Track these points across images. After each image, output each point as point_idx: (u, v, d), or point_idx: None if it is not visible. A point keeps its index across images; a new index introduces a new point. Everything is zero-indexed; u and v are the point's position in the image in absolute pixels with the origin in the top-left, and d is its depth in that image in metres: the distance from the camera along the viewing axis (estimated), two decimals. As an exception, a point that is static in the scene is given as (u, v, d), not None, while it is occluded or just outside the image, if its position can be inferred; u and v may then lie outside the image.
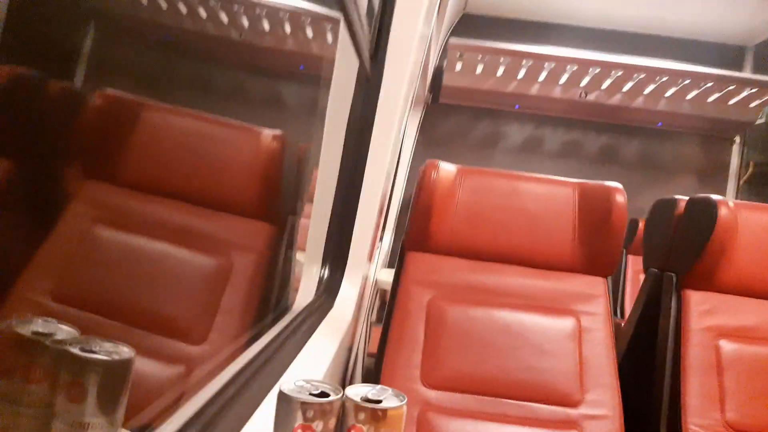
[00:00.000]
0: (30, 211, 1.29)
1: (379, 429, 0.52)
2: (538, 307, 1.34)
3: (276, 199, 1.33)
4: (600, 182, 1.40)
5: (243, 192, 1.31)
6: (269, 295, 1.31)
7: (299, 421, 0.50)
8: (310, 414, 0.51)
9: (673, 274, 1.42)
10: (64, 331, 0.57)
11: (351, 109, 1.29)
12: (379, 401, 0.53)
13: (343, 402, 0.53)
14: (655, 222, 1.61)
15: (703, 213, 1.40)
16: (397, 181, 3.37)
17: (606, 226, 1.34)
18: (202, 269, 1.30)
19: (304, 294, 1.29)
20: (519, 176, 1.43)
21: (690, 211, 1.47)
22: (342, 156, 1.35)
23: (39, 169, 1.33)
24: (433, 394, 1.23)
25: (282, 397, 0.52)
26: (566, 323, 1.32)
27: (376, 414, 0.52)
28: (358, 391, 0.55)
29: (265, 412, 0.53)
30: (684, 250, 1.41)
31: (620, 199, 1.35)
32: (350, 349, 1.56)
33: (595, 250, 1.36)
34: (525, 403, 1.24)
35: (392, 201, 3.39)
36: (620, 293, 3.19)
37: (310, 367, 0.86)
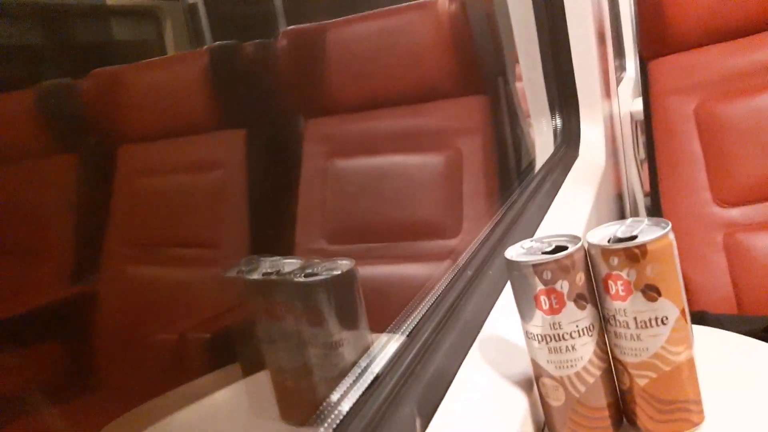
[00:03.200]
0: (277, 166, 1.40)
1: (644, 270, 0.40)
2: None
3: (476, 64, 1.21)
4: None
5: (441, 70, 1.22)
6: (507, 166, 1.21)
7: (539, 286, 0.41)
8: (547, 276, 0.41)
9: None
10: (288, 264, 0.57)
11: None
12: (634, 237, 0.41)
13: (587, 251, 0.42)
14: None
15: None
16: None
17: None
18: (436, 167, 1.26)
19: (543, 152, 1.16)
20: None
21: None
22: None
23: (270, 123, 1.42)
24: (735, 212, 1.01)
25: (510, 265, 0.43)
26: None
27: (632, 253, 0.40)
28: (602, 233, 0.43)
29: (510, 292, 0.45)
30: None
31: None
32: (621, 196, 1.39)
33: None
34: None
35: (622, 25, 2.92)
36: None
37: (564, 225, 0.75)
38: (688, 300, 0.42)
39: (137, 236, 1.21)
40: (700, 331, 0.53)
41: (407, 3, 1.28)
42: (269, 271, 0.57)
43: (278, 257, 0.58)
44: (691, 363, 0.41)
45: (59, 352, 0.87)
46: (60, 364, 0.86)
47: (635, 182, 1.66)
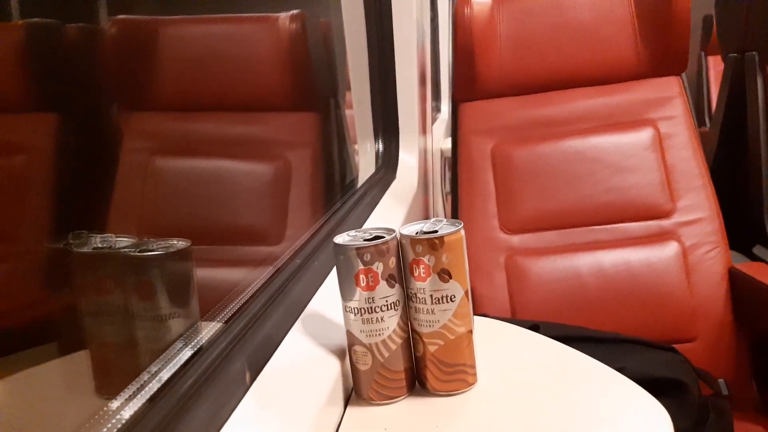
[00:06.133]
0: (90, 158, 1.33)
1: (440, 257, 0.50)
2: (609, 126, 1.25)
3: (311, 83, 1.29)
4: (653, -28, 1.25)
5: (277, 84, 1.28)
6: (332, 181, 1.30)
7: (359, 266, 0.49)
8: (367, 258, 0.49)
9: (754, 53, 1.27)
10: (121, 241, 0.58)
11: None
12: (435, 232, 0.51)
13: (399, 241, 0.52)
14: (725, 0, 1.43)
15: (781, -27, 1.22)
16: (441, 50, 3.21)
17: (668, 17, 1.20)
18: (264, 175, 1.31)
19: (365, 171, 1.27)
20: (559, -11, 1.29)
21: (765, -23, 1.29)
22: (366, 24, 1.27)
23: (86, 115, 1.35)
24: (516, 239, 1.21)
25: (337, 249, 0.50)
26: (643, 134, 1.23)
27: (433, 243, 0.50)
28: (412, 228, 0.53)
29: (332, 279, 0.52)
30: (762, 23, 1.25)
31: (679, -17, 1.20)
32: (428, 219, 1.55)
33: (660, 47, 1.23)
34: (614, 225, 1.20)
35: (441, 74, 3.25)
36: (705, 99, 2.95)
37: (379, 232, 0.85)
38: (473, 307, 0.53)
39: None
40: (482, 321, 0.65)
41: (249, 14, 1.33)
42: (101, 246, 0.58)
43: (110, 234, 0.59)
44: (470, 334, 0.52)
45: None
46: None
47: (440, 210, 1.86)
